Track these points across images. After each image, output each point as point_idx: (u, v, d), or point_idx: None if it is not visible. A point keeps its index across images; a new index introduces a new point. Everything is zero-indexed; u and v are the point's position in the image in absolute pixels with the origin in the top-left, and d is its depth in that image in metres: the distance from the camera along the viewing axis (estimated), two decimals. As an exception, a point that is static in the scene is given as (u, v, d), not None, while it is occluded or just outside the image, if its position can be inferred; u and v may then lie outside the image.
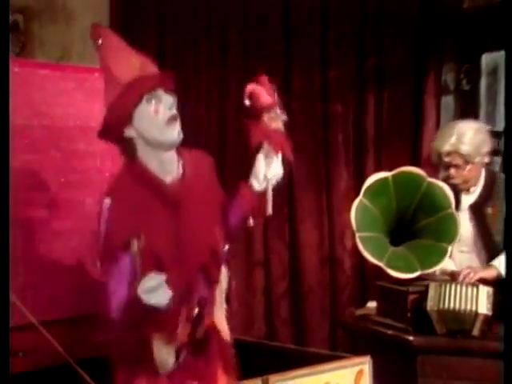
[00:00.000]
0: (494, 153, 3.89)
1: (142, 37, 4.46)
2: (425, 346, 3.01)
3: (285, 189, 4.30)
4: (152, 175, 2.18)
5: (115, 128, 2.18)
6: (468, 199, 3.37)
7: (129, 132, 2.17)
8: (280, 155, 2.33)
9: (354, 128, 4.38)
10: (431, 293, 3.04)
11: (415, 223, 3.24)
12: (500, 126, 4.07)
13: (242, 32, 4.50)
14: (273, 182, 2.34)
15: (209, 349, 2.26)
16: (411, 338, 3.02)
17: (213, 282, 2.25)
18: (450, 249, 3.15)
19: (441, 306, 3.00)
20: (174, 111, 2.19)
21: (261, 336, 4.34)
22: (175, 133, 2.17)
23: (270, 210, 2.36)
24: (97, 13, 4.41)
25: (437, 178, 3.31)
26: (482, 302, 2.99)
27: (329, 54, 4.41)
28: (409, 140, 4.29)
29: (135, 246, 2.11)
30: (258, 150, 2.34)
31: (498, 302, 2.96)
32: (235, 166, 4.40)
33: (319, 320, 4.36)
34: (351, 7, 4.34)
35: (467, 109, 4.26)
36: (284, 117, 2.34)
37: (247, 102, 2.31)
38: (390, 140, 4.31)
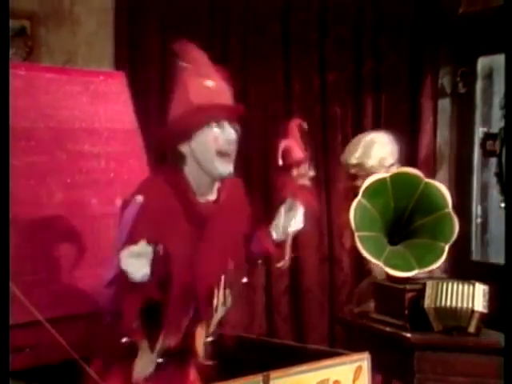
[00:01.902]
0: (489, 154, 3.96)
1: (145, 42, 4.52)
2: (422, 343, 3.04)
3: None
4: (190, 191, 2.20)
5: (171, 142, 2.21)
6: None
7: (184, 148, 2.19)
8: (303, 209, 2.37)
9: (352, 130, 4.42)
10: (428, 291, 3.07)
11: (413, 223, 3.26)
12: (495, 127, 4.12)
13: (242, 37, 4.54)
14: (292, 234, 2.38)
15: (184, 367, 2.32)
16: (408, 334, 3.05)
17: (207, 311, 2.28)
18: (447, 248, 3.19)
19: (438, 303, 3.03)
20: (232, 148, 2.20)
21: (261, 333, 4.37)
22: (226, 169, 2.19)
23: (287, 259, 2.38)
24: (101, 18, 4.45)
25: (433, 177, 3.37)
26: (478, 299, 3.03)
27: (327, 57, 4.46)
28: (406, 142, 4.34)
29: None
30: (282, 201, 2.39)
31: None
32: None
33: (318, 317, 4.40)
34: (348, 12, 4.40)
35: (463, 111, 4.32)
36: (312, 173, 2.41)
37: (280, 162, 2.34)
38: (387, 142, 4.36)
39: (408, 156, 4.32)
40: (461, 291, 3.06)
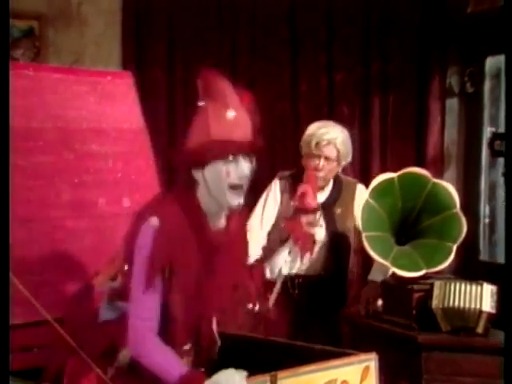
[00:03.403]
0: (497, 153, 3.95)
1: (153, 42, 4.53)
2: (429, 343, 3.05)
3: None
4: (204, 217, 2.18)
5: (185, 166, 2.19)
6: (319, 197, 3.46)
7: (196, 174, 2.17)
8: (301, 257, 2.43)
9: (359, 130, 4.43)
10: (436, 291, 3.08)
11: (420, 223, 3.28)
12: (503, 127, 4.12)
13: (250, 38, 4.55)
14: (283, 277, 2.43)
15: None
16: (416, 334, 3.06)
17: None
18: (454, 248, 3.19)
19: (445, 303, 3.04)
20: (244, 182, 2.17)
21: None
22: (236, 201, 2.16)
23: (271, 303, 2.44)
24: (109, 19, 4.46)
25: (441, 178, 3.37)
26: (486, 300, 3.04)
27: (334, 58, 4.46)
28: (414, 142, 4.34)
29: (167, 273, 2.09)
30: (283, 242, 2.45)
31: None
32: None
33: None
34: (355, 13, 4.40)
35: (471, 111, 4.31)
36: (321, 224, 2.42)
37: (296, 203, 2.43)
38: (395, 142, 4.36)
39: (416, 156, 4.32)
40: (469, 291, 3.07)
